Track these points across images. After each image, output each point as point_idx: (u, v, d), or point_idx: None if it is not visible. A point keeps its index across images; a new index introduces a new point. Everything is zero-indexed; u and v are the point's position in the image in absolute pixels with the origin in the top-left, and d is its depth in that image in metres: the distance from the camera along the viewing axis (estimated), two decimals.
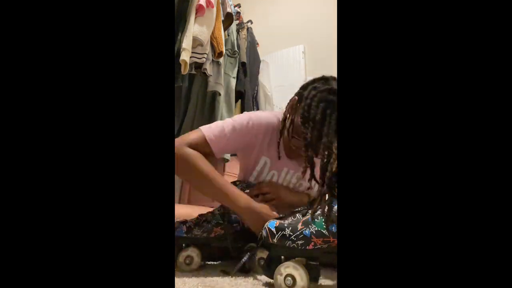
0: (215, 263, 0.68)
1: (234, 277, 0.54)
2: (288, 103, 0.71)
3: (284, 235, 0.45)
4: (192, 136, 0.66)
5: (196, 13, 1.26)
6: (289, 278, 0.43)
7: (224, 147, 0.69)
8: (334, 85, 0.60)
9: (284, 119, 0.70)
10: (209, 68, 1.38)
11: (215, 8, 1.34)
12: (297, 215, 0.49)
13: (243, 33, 1.93)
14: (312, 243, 0.44)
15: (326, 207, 0.46)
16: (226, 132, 0.67)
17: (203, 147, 0.64)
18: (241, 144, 0.73)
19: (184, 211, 0.76)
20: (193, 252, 0.60)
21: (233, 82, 1.70)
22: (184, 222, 0.62)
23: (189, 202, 1.72)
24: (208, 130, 0.66)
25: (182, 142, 0.63)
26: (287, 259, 0.46)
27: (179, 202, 1.80)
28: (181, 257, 0.60)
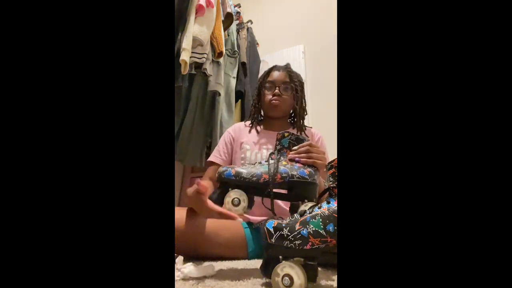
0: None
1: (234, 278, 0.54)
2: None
3: (282, 235, 0.45)
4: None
5: (196, 13, 1.26)
6: (286, 278, 0.43)
7: (220, 156, 1.04)
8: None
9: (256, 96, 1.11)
10: (209, 68, 1.38)
11: (215, 8, 1.34)
12: (295, 215, 0.49)
13: (243, 33, 1.93)
14: (310, 243, 0.44)
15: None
16: (219, 145, 1.07)
17: (209, 167, 1.04)
18: (230, 146, 1.05)
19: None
20: (241, 196, 0.62)
21: (233, 82, 1.70)
22: (232, 167, 0.65)
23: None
24: (211, 155, 1.07)
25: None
26: (285, 259, 0.46)
27: (179, 203, 1.84)
28: (229, 197, 0.62)
